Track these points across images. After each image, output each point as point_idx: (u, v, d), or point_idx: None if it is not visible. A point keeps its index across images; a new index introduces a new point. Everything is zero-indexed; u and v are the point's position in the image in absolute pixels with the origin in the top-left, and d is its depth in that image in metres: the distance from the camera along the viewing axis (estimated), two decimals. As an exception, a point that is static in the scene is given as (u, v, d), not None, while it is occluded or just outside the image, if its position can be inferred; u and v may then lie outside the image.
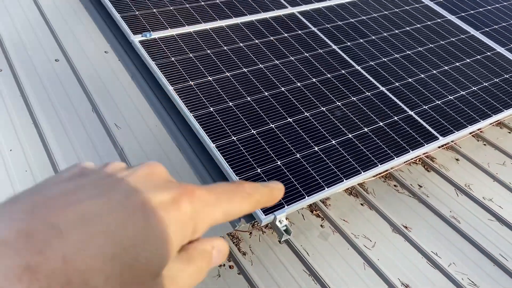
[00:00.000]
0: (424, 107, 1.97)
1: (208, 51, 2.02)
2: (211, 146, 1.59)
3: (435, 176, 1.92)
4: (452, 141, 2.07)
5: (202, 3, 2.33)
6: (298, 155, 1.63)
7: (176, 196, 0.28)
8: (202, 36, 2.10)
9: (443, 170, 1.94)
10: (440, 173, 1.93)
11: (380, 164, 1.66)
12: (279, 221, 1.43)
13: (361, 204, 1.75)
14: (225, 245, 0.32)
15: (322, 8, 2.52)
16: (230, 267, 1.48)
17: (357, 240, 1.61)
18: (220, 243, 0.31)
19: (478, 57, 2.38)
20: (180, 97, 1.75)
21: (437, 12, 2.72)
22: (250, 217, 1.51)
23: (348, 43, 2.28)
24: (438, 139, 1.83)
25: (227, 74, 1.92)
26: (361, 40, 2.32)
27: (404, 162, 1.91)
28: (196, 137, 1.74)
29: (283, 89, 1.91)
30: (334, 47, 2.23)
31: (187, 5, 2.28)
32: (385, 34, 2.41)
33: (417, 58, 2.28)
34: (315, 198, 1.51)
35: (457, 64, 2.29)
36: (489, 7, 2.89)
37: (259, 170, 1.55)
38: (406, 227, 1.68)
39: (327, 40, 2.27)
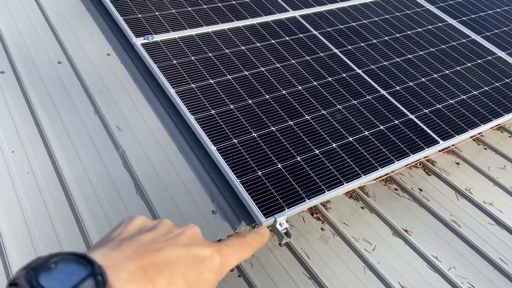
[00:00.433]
0: (425, 111, 1.98)
1: (210, 54, 2.03)
2: (212, 148, 1.60)
3: (435, 180, 1.92)
4: (452, 145, 2.08)
5: (204, 6, 2.34)
6: (298, 158, 1.64)
7: (213, 252, 0.42)
8: (204, 39, 2.11)
9: (444, 174, 1.94)
10: (440, 177, 1.93)
11: (381, 168, 1.66)
12: (280, 224, 1.44)
13: (362, 208, 1.75)
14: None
15: (324, 11, 2.53)
16: (230, 269, 1.48)
17: (357, 243, 1.61)
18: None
19: (479, 61, 2.39)
20: (181, 99, 1.76)
21: (438, 16, 2.72)
22: (250, 220, 1.51)
23: (349, 47, 2.29)
24: (439, 143, 1.83)
25: (228, 77, 1.93)
26: (362, 44, 2.33)
27: (405, 166, 1.91)
28: (197, 140, 1.75)
29: (284, 92, 1.92)
30: (335, 50, 2.24)
31: (189, 8, 2.29)
32: (386, 38, 2.42)
33: (418, 62, 2.29)
34: (316, 201, 1.51)
35: (458, 68, 2.30)
36: (490, 12, 2.89)
37: (259, 173, 1.55)
38: (406, 231, 1.68)
39: (328, 43, 2.28)
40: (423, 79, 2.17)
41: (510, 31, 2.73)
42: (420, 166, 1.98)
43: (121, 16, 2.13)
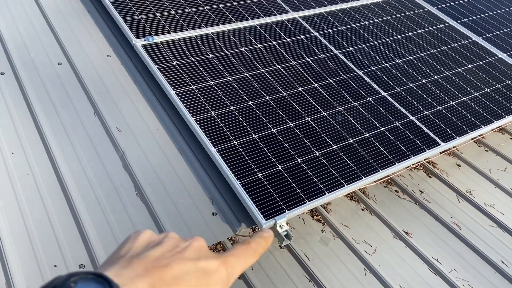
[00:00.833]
0: (426, 112, 1.97)
1: (210, 56, 2.02)
2: (212, 150, 1.60)
3: (436, 181, 1.91)
4: (453, 147, 2.07)
5: (205, 7, 2.33)
6: (299, 160, 1.63)
7: (219, 264, 0.43)
8: (204, 40, 2.11)
9: (445, 175, 1.94)
10: (441, 179, 1.92)
11: (381, 169, 1.66)
12: (280, 226, 1.43)
13: (362, 210, 1.75)
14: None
15: (324, 13, 2.52)
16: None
17: (358, 245, 1.60)
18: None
19: (480, 63, 2.38)
20: (182, 101, 1.76)
21: (439, 17, 2.72)
22: (250, 222, 1.51)
23: (350, 48, 2.28)
24: (440, 144, 1.83)
25: (228, 78, 1.92)
26: (363, 45, 2.33)
27: (406, 168, 1.90)
28: (197, 141, 1.74)
29: (284, 93, 1.91)
30: (336, 52, 2.24)
31: (190, 10, 2.29)
32: (386, 39, 2.42)
33: (418, 63, 2.28)
34: (316, 203, 1.51)
35: (459, 69, 2.30)
36: (491, 13, 2.89)
37: (260, 175, 1.55)
38: (407, 233, 1.68)
39: (328, 45, 2.27)
40: (424, 81, 2.16)
41: (511, 33, 2.72)
42: (421, 168, 1.97)
43: (121, 17, 2.12)
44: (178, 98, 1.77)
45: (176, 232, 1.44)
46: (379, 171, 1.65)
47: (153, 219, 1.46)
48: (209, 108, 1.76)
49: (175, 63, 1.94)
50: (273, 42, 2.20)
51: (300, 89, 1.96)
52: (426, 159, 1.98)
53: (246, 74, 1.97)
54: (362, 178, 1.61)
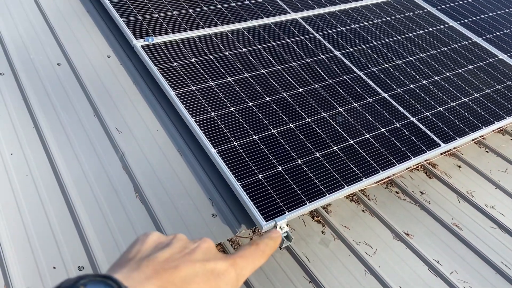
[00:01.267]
0: (426, 113, 1.97)
1: (210, 56, 2.02)
2: (212, 151, 1.59)
3: (437, 183, 1.91)
4: (454, 148, 2.07)
5: (205, 8, 2.33)
6: (299, 161, 1.62)
7: (228, 266, 0.42)
8: (204, 41, 2.11)
9: (445, 177, 1.93)
10: (442, 180, 1.92)
11: (382, 171, 1.65)
12: (280, 227, 1.43)
13: (363, 211, 1.74)
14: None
15: (324, 14, 2.52)
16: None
17: (358, 247, 1.60)
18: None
19: (481, 63, 2.38)
20: (181, 102, 1.75)
21: (439, 18, 2.72)
22: (251, 223, 1.50)
23: (350, 49, 2.28)
24: (440, 145, 1.82)
25: (229, 79, 1.92)
26: (363, 46, 2.32)
27: (406, 169, 1.90)
28: (197, 142, 1.74)
29: (284, 94, 1.91)
30: (336, 53, 2.23)
31: (190, 10, 2.28)
32: (387, 40, 2.41)
33: (419, 64, 2.28)
34: (316, 204, 1.50)
35: (460, 70, 2.29)
36: (492, 14, 2.88)
37: (260, 176, 1.54)
38: (407, 234, 1.67)
39: (329, 45, 2.27)
40: (424, 82, 2.16)
41: (511, 33, 2.72)
42: (422, 169, 1.97)
43: (121, 17, 2.12)
44: (178, 99, 1.76)
45: (175, 233, 1.43)
46: (379, 172, 1.65)
47: (153, 220, 1.46)
48: (209, 109, 1.75)
49: (175, 63, 1.93)
50: (274, 43, 2.20)
51: (301, 90, 1.95)
52: (426, 160, 1.98)
53: (246, 74, 1.96)
54: (362, 179, 1.61)
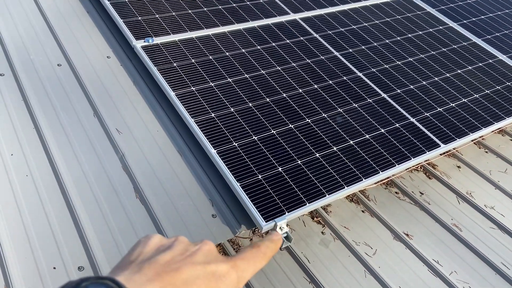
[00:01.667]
0: (426, 114, 1.97)
1: (210, 57, 2.02)
2: (212, 151, 1.59)
3: (436, 183, 1.91)
4: (453, 149, 2.07)
5: (205, 9, 2.33)
6: (299, 162, 1.63)
7: (229, 268, 0.43)
8: (204, 42, 2.11)
9: (445, 177, 1.93)
10: (441, 181, 1.92)
11: (382, 171, 1.66)
12: (280, 227, 1.43)
13: (362, 211, 1.74)
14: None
15: (324, 14, 2.52)
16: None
17: (358, 247, 1.60)
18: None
19: (480, 64, 2.38)
20: (181, 102, 1.76)
21: (439, 19, 2.72)
22: (250, 224, 1.50)
23: (350, 50, 2.28)
24: (440, 146, 1.82)
25: (229, 80, 1.92)
26: (363, 47, 2.33)
27: (406, 169, 1.90)
28: (197, 143, 1.74)
29: (284, 95, 1.91)
30: (336, 53, 2.24)
31: (190, 11, 2.29)
32: (387, 40, 2.42)
33: (419, 65, 2.28)
34: (316, 204, 1.50)
35: (459, 71, 2.29)
36: (491, 15, 2.89)
37: (260, 177, 1.54)
38: (407, 235, 1.67)
39: (329, 46, 2.27)
40: (424, 82, 2.16)
41: (511, 34, 2.72)
42: (421, 170, 1.97)
43: (121, 18, 2.12)
44: (178, 100, 1.76)
45: (175, 234, 1.44)
46: (379, 172, 1.65)
47: (153, 220, 1.46)
48: (209, 110, 1.76)
49: (175, 64, 1.93)
50: (273, 44, 2.20)
51: (300, 90, 1.95)
52: (426, 160, 1.98)
53: (246, 75, 1.97)
54: (362, 180, 1.61)
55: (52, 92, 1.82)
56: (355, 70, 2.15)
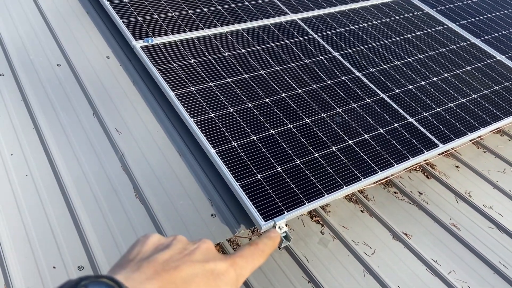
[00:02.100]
0: (425, 114, 1.98)
1: (210, 57, 2.03)
2: (212, 151, 1.60)
3: (435, 183, 1.92)
4: (452, 148, 2.08)
5: (204, 9, 2.34)
6: (298, 161, 1.63)
7: (228, 266, 0.43)
8: (203, 42, 2.11)
9: (443, 177, 1.94)
10: (440, 180, 1.93)
11: (380, 171, 1.66)
12: (279, 227, 1.43)
13: (361, 211, 1.75)
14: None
15: (323, 15, 2.53)
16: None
17: (357, 247, 1.61)
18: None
19: (479, 64, 2.39)
20: (181, 102, 1.76)
21: (437, 19, 2.73)
22: (249, 223, 1.51)
23: (349, 50, 2.29)
24: (438, 146, 1.83)
25: (228, 80, 1.93)
26: (362, 47, 2.33)
27: (404, 169, 1.91)
28: (196, 143, 1.74)
29: (283, 95, 1.92)
30: (335, 53, 2.24)
31: (189, 11, 2.29)
32: (385, 41, 2.42)
33: (417, 65, 2.29)
34: (315, 204, 1.51)
35: (458, 71, 2.30)
36: (489, 15, 2.90)
37: (259, 176, 1.55)
38: (406, 234, 1.68)
39: (328, 46, 2.28)
40: (422, 82, 2.17)
41: (509, 35, 2.73)
42: (420, 170, 1.98)
43: (120, 18, 2.13)
44: (178, 100, 1.77)
45: (175, 234, 1.44)
46: (378, 172, 1.65)
47: (152, 220, 1.46)
48: (208, 110, 1.76)
49: (174, 64, 1.94)
50: (272, 44, 2.21)
51: (299, 90, 1.96)
52: (425, 160, 1.99)
53: (245, 75, 1.97)
54: (361, 180, 1.61)
55: (52, 92, 1.83)
56: (354, 70, 2.16)
